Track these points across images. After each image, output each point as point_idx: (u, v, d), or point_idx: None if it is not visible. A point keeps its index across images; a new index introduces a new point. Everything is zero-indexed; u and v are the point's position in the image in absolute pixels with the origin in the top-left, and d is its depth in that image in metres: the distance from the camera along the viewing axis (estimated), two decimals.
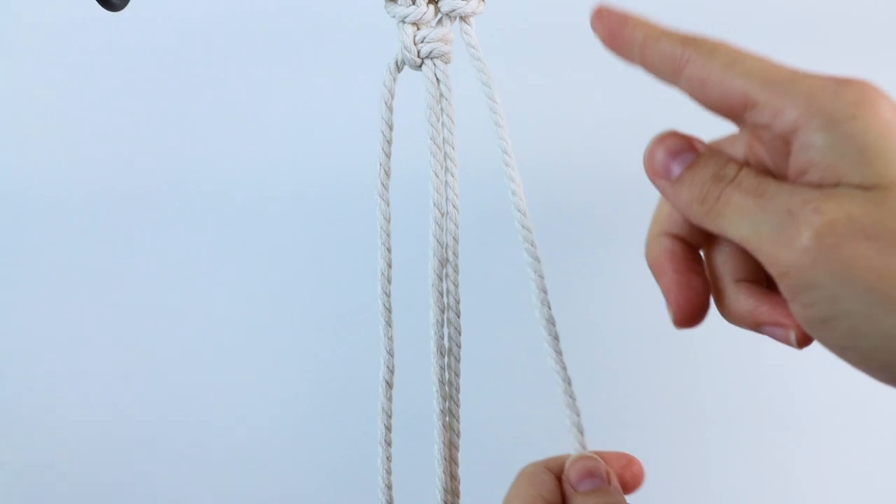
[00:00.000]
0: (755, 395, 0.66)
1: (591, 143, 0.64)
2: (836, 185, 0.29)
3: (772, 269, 0.30)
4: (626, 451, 0.39)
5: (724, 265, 0.35)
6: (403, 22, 0.41)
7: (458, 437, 0.42)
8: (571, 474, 0.37)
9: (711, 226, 0.32)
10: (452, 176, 0.42)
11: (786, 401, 0.67)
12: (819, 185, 0.29)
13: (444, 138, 0.41)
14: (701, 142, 0.34)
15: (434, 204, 0.42)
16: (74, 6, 0.60)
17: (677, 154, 0.33)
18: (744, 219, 0.30)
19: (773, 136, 0.31)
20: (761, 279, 0.34)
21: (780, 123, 0.30)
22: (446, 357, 0.42)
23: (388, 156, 0.43)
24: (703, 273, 0.35)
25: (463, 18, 0.41)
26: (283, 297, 0.69)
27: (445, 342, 0.42)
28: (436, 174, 0.41)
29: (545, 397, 0.66)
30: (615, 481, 0.38)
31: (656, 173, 0.34)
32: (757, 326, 0.34)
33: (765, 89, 0.30)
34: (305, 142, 0.66)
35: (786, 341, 0.33)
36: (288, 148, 0.66)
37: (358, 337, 0.65)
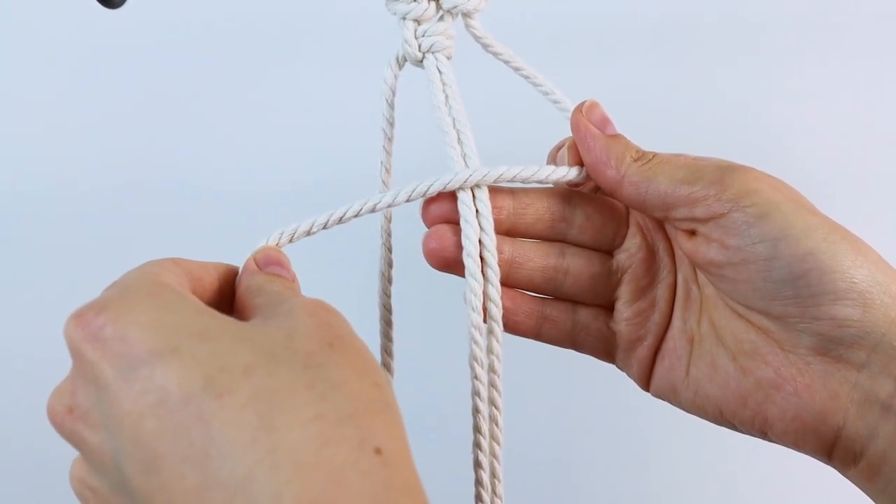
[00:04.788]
0: None
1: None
2: None
3: (705, 205, 0.36)
4: None
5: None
6: (405, 19, 0.40)
7: (500, 447, 0.38)
8: (259, 256, 0.38)
9: (640, 176, 0.37)
10: None
11: None
12: None
13: (447, 133, 0.40)
14: None
15: None
16: (70, 1, 0.59)
17: (610, 120, 0.40)
18: (679, 169, 0.37)
19: None
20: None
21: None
22: (486, 355, 0.38)
23: (389, 153, 0.42)
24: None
25: (466, 14, 0.41)
26: None
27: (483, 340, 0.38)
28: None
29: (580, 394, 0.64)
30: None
31: (592, 123, 0.39)
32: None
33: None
34: (306, 139, 0.65)
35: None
36: (289, 146, 0.65)
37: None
